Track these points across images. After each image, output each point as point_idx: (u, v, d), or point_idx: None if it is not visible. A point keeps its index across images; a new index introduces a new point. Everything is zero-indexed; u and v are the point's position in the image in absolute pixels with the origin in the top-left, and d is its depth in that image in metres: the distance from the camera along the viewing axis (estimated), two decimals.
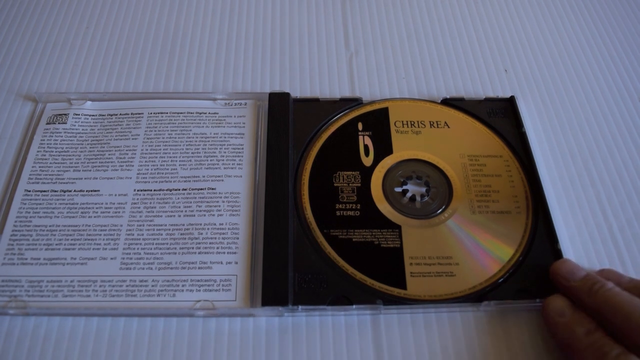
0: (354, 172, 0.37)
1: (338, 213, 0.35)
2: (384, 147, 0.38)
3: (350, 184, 0.36)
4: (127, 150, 0.38)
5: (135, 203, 0.35)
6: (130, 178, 0.37)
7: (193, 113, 0.40)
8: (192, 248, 0.34)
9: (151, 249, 0.34)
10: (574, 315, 0.29)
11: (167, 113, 0.40)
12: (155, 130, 0.39)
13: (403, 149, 0.38)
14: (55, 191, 0.36)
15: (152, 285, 0.32)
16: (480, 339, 0.31)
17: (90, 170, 0.37)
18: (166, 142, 0.38)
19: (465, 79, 0.44)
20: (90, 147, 0.38)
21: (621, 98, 0.43)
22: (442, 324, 0.32)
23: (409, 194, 0.36)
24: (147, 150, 0.38)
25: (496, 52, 0.46)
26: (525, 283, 0.32)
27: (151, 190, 0.36)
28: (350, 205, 0.35)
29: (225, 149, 0.38)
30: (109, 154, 0.38)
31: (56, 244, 0.34)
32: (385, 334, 0.31)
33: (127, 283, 0.32)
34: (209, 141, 0.38)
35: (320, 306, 0.31)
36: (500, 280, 0.32)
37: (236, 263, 0.33)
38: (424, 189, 0.37)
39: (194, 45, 0.45)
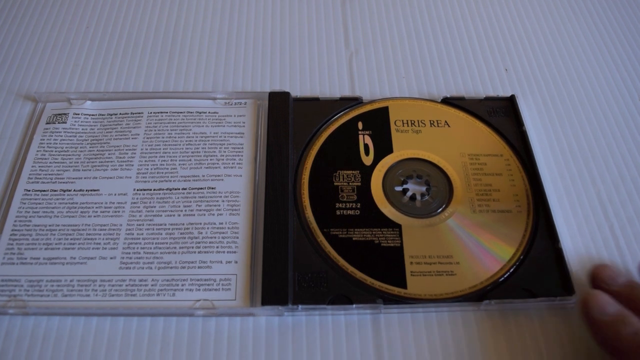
0: (354, 171, 0.37)
1: (338, 212, 0.35)
2: (384, 146, 0.38)
3: (350, 183, 0.36)
4: (126, 149, 0.38)
5: (134, 202, 0.35)
6: (130, 177, 0.37)
7: (193, 112, 0.40)
8: (192, 247, 0.34)
9: (151, 248, 0.34)
10: (619, 314, 0.28)
11: (167, 112, 0.40)
12: (155, 130, 0.39)
13: (403, 148, 0.38)
14: (55, 191, 0.36)
15: (152, 285, 0.32)
16: (481, 339, 0.31)
17: (89, 170, 0.37)
18: (166, 142, 0.38)
19: (466, 78, 0.44)
20: (90, 147, 0.38)
21: (621, 97, 0.43)
22: (442, 323, 0.32)
23: (409, 193, 0.36)
24: (146, 149, 0.38)
25: (496, 51, 0.46)
26: (526, 282, 0.32)
27: (151, 190, 0.36)
28: (350, 204, 0.35)
29: (225, 148, 0.38)
30: (109, 154, 0.38)
31: (56, 244, 0.34)
32: (386, 334, 0.31)
33: (127, 282, 0.32)
34: (208, 140, 0.38)
35: (320, 305, 0.31)
36: (500, 280, 0.32)
37: (236, 262, 0.33)
38: (424, 188, 0.37)
39: (194, 45, 0.45)
